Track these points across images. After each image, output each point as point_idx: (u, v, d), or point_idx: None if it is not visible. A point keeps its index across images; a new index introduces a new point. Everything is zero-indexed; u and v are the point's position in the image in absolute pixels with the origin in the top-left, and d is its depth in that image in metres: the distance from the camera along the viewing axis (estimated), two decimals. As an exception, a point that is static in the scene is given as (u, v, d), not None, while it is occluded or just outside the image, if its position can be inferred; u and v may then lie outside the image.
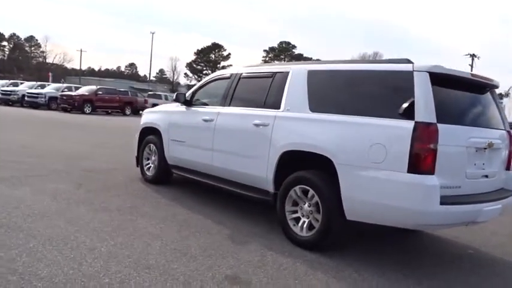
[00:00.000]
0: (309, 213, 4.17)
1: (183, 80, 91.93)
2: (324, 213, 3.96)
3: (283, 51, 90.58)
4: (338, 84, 4.19)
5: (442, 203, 3.38)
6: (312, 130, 4.14)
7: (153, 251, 3.78)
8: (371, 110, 3.80)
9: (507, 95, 45.47)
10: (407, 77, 3.63)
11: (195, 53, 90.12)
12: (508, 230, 5.42)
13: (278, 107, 4.60)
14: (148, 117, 6.79)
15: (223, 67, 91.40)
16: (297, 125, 4.31)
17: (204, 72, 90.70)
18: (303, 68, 4.57)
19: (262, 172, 4.61)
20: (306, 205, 4.20)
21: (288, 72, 4.69)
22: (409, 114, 3.51)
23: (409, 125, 3.47)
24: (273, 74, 4.87)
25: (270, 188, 4.56)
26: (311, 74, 4.44)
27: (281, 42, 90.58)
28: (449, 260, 4.40)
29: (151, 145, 6.54)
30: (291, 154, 4.34)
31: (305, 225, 4.18)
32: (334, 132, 3.95)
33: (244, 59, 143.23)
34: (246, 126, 4.84)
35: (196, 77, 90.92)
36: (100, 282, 3.07)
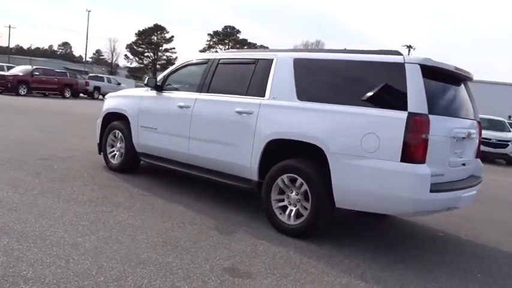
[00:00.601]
0: (297, 201, 4.17)
1: (122, 62, 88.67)
2: (314, 202, 3.97)
3: (228, 36, 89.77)
4: (328, 73, 4.18)
5: (431, 191, 3.51)
6: (302, 119, 4.11)
7: (141, 244, 3.60)
8: (363, 100, 3.83)
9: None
10: (398, 69, 3.69)
11: (136, 34, 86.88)
12: (463, 212, 5.72)
13: (263, 95, 4.51)
14: (113, 102, 6.42)
15: (166, 50, 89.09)
16: (285, 113, 4.26)
17: (146, 54, 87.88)
18: (288, 55, 4.51)
19: (245, 161, 4.53)
20: (294, 193, 4.19)
21: (272, 59, 4.61)
22: (401, 105, 3.58)
23: (402, 115, 3.54)
24: (255, 61, 4.77)
25: (254, 176, 4.49)
26: (297, 62, 4.39)
27: (226, 27, 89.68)
28: (425, 242, 4.60)
29: (117, 132, 6.21)
30: (277, 143, 4.29)
31: (292, 214, 4.17)
32: (325, 121, 3.95)
33: (188, 43, 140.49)
34: (227, 113, 4.72)
35: (137, 59, 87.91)
36: (95, 281, 2.87)
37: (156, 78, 5.71)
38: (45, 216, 4.02)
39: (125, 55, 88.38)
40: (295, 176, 4.12)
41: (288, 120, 4.21)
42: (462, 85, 4.42)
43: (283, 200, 4.28)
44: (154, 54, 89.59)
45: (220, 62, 5.15)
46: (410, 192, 3.50)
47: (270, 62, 4.61)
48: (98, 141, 6.56)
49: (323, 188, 3.94)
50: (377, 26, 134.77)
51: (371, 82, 3.89)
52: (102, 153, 6.48)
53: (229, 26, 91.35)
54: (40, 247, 3.31)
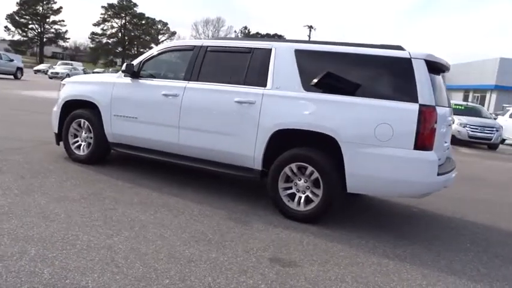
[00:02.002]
0: (306, 188, 4.36)
1: (2, 34, 79.18)
2: (325, 188, 4.20)
3: (124, 9, 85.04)
4: (335, 65, 4.37)
5: (438, 174, 3.96)
6: (312, 109, 4.27)
7: (173, 241, 3.54)
8: (372, 92, 4.12)
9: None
10: (406, 63, 4.03)
11: (17, 3, 77.89)
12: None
13: (264, 85, 4.57)
14: (76, 88, 5.93)
15: (54, 22, 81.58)
16: (292, 103, 4.38)
17: (30, 26, 79.59)
18: (288, 46, 4.61)
19: (247, 150, 4.58)
20: (302, 181, 4.38)
21: (270, 49, 4.67)
22: (412, 97, 3.94)
23: (414, 107, 3.90)
24: (251, 50, 4.78)
25: (258, 166, 4.58)
26: (300, 53, 4.51)
27: (121, 0, 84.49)
28: (407, 218, 5.12)
29: (82, 121, 5.78)
30: (283, 133, 4.41)
31: (302, 200, 4.37)
32: (337, 112, 4.16)
33: (80, 15, 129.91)
34: (225, 103, 4.70)
35: (20, 31, 79.23)
36: (163, 284, 2.81)
37: (133, 64, 5.40)
38: (51, 219, 3.71)
39: (5, 27, 79.28)
40: (305, 164, 4.30)
41: (296, 110, 4.34)
42: (441, 75, 4.93)
43: (290, 188, 4.44)
44: (40, 27, 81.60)
45: (208, 49, 5.05)
46: (423, 176, 3.91)
47: (267, 51, 4.67)
48: (56, 131, 6.04)
49: (334, 175, 4.18)
50: (277, 7, 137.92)
51: (378, 75, 4.20)
52: (62, 143, 5.99)
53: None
54: (76, 253, 3.10)
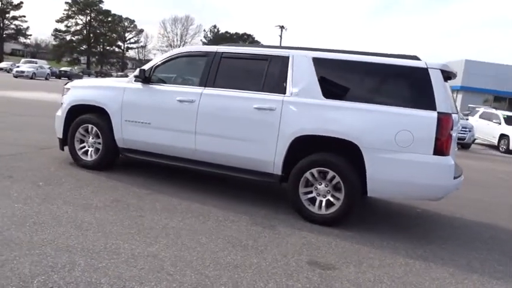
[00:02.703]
0: (326, 192, 4.52)
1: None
2: (347, 192, 4.38)
3: (89, 6, 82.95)
4: (353, 74, 4.55)
5: (454, 178, 4.21)
6: (333, 116, 4.43)
7: (212, 247, 3.62)
8: (391, 100, 4.32)
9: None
10: (423, 73, 4.25)
11: (-26, -3, 74.41)
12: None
13: (283, 92, 4.70)
14: (83, 93, 5.86)
15: (14, 18, 78.55)
16: (313, 110, 4.52)
17: (-11, 22, 76.21)
18: (306, 54, 4.74)
19: (267, 156, 4.70)
20: (323, 185, 4.53)
21: (288, 57, 4.80)
22: (430, 105, 4.16)
23: (433, 114, 4.13)
24: (267, 57, 4.89)
25: (278, 171, 4.70)
26: (318, 61, 4.66)
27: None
28: (414, 219, 5.38)
29: (90, 126, 5.72)
30: (304, 138, 4.56)
31: (323, 204, 4.52)
32: (359, 119, 4.34)
33: (41, 11, 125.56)
34: (244, 109, 4.79)
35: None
36: (220, 291, 2.89)
37: (145, 70, 5.40)
38: (85, 228, 3.71)
39: (-38, 22, 75.57)
40: (326, 169, 4.46)
41: (318, 117, 4.49)
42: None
43: (311, 192, 4.59)
44: (-1, 22, 78.38)
45: (223, 55, 5.13)
46: (442, 180, 4.15)
47: (285, 59, 4.80)
48: (61, 136, 5.95)
49: (355, 180, 4.37)
50: (246, 6, 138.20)
51: (396, 84, 4.41)
52: (67, 149, 5.91)
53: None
54: (124, 262, 3.14)
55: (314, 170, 4.52)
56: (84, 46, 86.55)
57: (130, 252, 3.32)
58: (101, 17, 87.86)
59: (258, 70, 4.93)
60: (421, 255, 4.00)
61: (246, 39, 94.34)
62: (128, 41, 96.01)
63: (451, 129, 4.19)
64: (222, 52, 5.15)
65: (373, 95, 4.42)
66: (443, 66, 4.30)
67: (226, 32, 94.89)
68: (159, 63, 5.49)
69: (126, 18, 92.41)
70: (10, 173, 5.11)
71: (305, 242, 3.98)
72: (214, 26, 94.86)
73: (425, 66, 4.28)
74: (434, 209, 5.83)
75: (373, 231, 4.54)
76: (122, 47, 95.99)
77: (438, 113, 4.14)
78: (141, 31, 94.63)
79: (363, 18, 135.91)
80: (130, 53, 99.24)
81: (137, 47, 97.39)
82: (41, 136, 7.82)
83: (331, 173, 4.45)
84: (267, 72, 4.85)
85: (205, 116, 4.99)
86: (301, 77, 4.67)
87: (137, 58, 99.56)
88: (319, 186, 4.55)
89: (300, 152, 4.63)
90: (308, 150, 4.63)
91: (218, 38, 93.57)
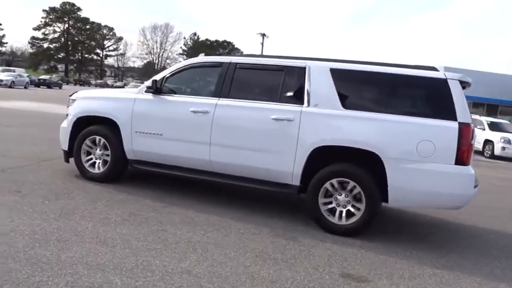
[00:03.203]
0: (346, 202, 4.52)
1: None
2: (368, 202, 4.38)
3: (67, 13, 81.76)
4: (372, 85, 4.58)
5: (474, 187, 4.27)
6: (353, 127, 4.44)
7: (243, 261, 3.56)
8: (411, 110, 4.37)
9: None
10: (442, 84, 4.31)
11: None
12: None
13: (301, 103, 4.69)
14: (91, 104, 5.73)
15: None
16: (333, 121, 4.52)
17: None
18: (323, 65, 4.75)
19: (286, 167, 4.67)
20: (343, 196, 4.53)
21: (304, 67, 4.80)
22: (450, 115, 4.22)
23: (454, 125, 4.18)
24: (284, 68, 4.89)
25: (296, 181, 4.68)
26: (335, 72, 4.67)
27: (64, 3, 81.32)
28: (428, 227, 5.42)
29: (97, 138, 5.60)
30: (323, 149, 4.55)
31: (343, 215, 4.52)
32: (380, 129, 4.35)
33: (18, 18, 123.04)
34: (261, 120, 4.77)
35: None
36: (264, 307, 2.83)
37: (157, 80, 5.32)
38: (110, 244, 3.61)
39: None
40: (347, 179, 4.46)
41: (338, 127, 4.49)
42: None
43: (331, 203, 4.58)
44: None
45: (238, 66, 5.09)
46: (463, 189, 4.20)
47: (301, 70, 4.80)
48: (66, 148, 5.80)
49: (375, 190, 4.38)
50: (226, 14, 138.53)
51: (416, 94, 4.46)
52: (73, 161, 5.77)
53: (68, 3, 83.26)
54: (161, 280, 3.07)
55: (334, 181, 4.51)
56: (62, 54, 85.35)
57: (163, 269, 3.23)
58: (79, 25, 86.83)
59: (274, 81, 4.92)
60: (446, 265, 4.02)
61: (226, 46, 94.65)
62: (107, 49, 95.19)
63: (471, 139, 4.25)
64: (236, 63, 5.12)
65: (393, 105, 4.45)
66: (461, 77, 4.36)
67: (207, 40, 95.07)
68: (170, 73, 5.42)
69: (105, 26, 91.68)
70: (17, 188, 4.95)
71: (331, 254, 3.96)
72: (194, 34, 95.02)
73: (445, 77, 4.34)
74: (444, 217, 5.88)
75: (393, 240, 4.55)
76: (101, 55, 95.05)
77: (459, 123, 4.19)
78: (120, 39, 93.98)
79: (342, 26, 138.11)
80: (109, 61, 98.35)
81: (116, 55, 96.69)
82: (37, 148, 7.63)
83: (351, 183, 4.45)
84: (283, 83, 4.84)
85: (221, 127, 4.93)
86: (319, 87, 4.68)
87: (116, 66, 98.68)
88: (339, 197, 4.54)
89: (318, 163, 4.61)
90: (326, 160, 4.62)
91: (198, 45, 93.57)
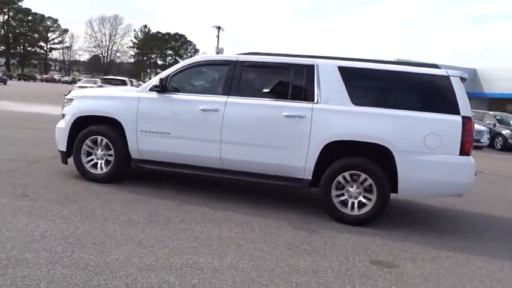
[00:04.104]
0: (358, 194, 4.77)
1: None
2: (379, 193, 4.65)
3: (6, 4, 77.19)
4: (380, 82, 4.84)
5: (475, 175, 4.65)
6: (365, 122, 4.67)
7: (278, 255, 3.71)
8: (417, 106, 4.67)
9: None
10: (445, 80, 4.64)
11: None
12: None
13: (312, 100, 4.87)
14: (91, 104, 5.61)
15: None
16: (345, 117, 4.74)
17: None
18: (332, 63, 4.95)
19: (298, 162, 4.85)
20: (354, 188, 4.77)
21: (313, 65, 4.97)
22: (454, 110, 4.56)
23: (458, 118, 4.52)
24: (292, 66, 5.03)
25: (308, 176, 4.87)
26: (343, 70, 4.88)
27: (5, -7, 76.59)
28: (425, 214, 5.79)
29: (99, 138, 5.51)
30: (335, 144, 4.76)
31: (356, 205, 4.76)
32: (389, 124, 4.62)
33: None
34: (273, 117, 4.90)
35: None
36: None
37: (162, 79, 5.30)
38: (147, 244, 3.65)
39: None
40: (359, 172, 4.71)
41: (350, 123, 4.71)
42: None
43: (343, 195, 4.81)
44: None
45: (245, 64, 5.19)
46: (466, 177, 4.56)
47: (310, 67, 4.97)
48: (64, 149, 5.66)
49: (386, 181, 4.66)
50: (177, 6, 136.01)
51: (422, 91, 4.76)
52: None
53: (9, -7, 78.52)
54: (213, 276, 3.16)
55: (346, 174, 4.74)
56: (2, 47, 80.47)
57: (210, 266, 3.32)
58: (20, 16, 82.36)
59: (282, 79, 5.06)
60: (455, 248, 4.37)
61: (179, 39, 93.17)
62: (51, 42, 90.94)
63: (473, 131, 4.61)
64: (244, 61, 5.20)
65: (400, 101, 4.73)
66: (461, 74, 4.71)
67: (158, 32, 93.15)
68: (175, 72, 5.41)
69: (49, 17, 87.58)
70: (22, 191, 4.81)
71: (353, 244, 4.18)
72: (145, 26, 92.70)
73: (447, 74, 4.66)
74: (437, 204, 6.28)
75: (399, 228, 4.84)
76: (45, 48, 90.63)
77: (462, 117, 4.53)
78: (66, 31, 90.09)
79: (293, 18, 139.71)
80: (55, 54, 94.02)
81: (62, 48, 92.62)
82: (17, 149, 7.32)
83: (363, 176, 4.70)
84: (292, 81, 4.99)
85: (232, 125, 5.02)
86: (329, 85, 4.87)
87: (62, 59, 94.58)
88: (350, 189, 4.78)
89: (329, 157, 4.82)
90: (336, 155, 4.83)
91: (149, 38, 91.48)
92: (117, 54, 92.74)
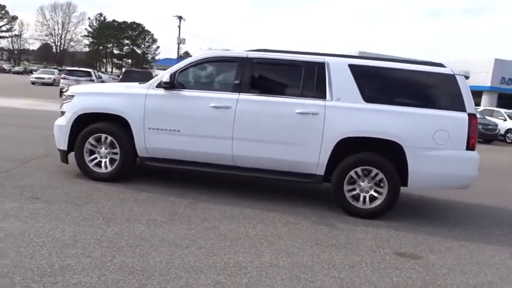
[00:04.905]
0: (369, 188, 4.94)
1: None
2: (390, 187, 4.84)
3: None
4: (391, 79, 5.00)
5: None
6: (376, 119, 4.83)
7: (310, 251, 3.81)
8: (426, 103, 4.88)
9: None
10: (451, 79, 4.87)
11: None
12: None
13: (323, 97, 4.97)
14: (94, 101, 5.44)
15: None
16: (357, 113, 4.87)
17: None
18: (342, 61, 5.06)
19: (311, 158, 4.95)
20: (366, 182, 4.94)
21: (323, 63, 5.07)
22: (460, 107, 4.80)
23: (464, 115, 4.77)
24: (302, 63, 5.11)
25: (321, 171, 4.99)
26: (354, 67, 5.01)
27: None
28: (425, 205, 6.06)
29: (103, 136, 5.37)
30: (348, 140, 4.90)
31: (367, 199, 4.94)
32: (400, 120, 4.80)
33: None
34: (286, 114, 4.97)
35: None
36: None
37: (170, 76, 5.22)
38: (181, 245, 3.66)
39: None
40: (371, 167, 4.87)
41: (362, 119, 4.86)
42: None
43: (354, 189, 4.97)
44: None
45: (255, 61, 5.20)
46: (472, 171, 4.83)
47: (321, 65, 5.06)
48: (65, 148, 5.48)
49: (396, 175, 4.85)
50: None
51: (429, 88, 4.97)
52: (74, 161, 5.49)
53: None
54: (262, 275, 3.21)
55: (358, 169, 4.89)
56: None
57: (252, 265, 3.37)
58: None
59: (293, 76, 5.13)
60: (463, 237, 4.64)
61: (136, 28, 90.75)
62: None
63: (477, 128, 4.88)
64: (254, 58, 5.21)
65: (409, 98, 4.93)
66: (466, 73, 4.96)
67: (114, 21, 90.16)
68: (182, 68, 5.34)
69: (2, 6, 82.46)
70: (31, 194, 4.63)
71: (372, 237, 4.35)
72: (100, 14, 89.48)
73: (453, 73, 4.89)
74: (428, 194, 6.58)
75: (408, 220, 5.06)
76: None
77: (468, 114, 4.79)
78: (15, 18, 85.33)
79: (256, 9, 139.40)
80: (3, 43, 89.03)
81: (10, 36, 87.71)
82: (7, 147, 6.99)
83: (374, 171, 4.87)
84: (303, 78, 5.06)
85: (244, 122, 5.04)
86: (340, 82, 4.98)
87: (11, 48, 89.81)
88: (361, 183, 4.94)
89: (341, 153, 4.95)
90: (348, 150, 4.97)
91: (105, 26, 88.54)
92: (71, 43, 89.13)
